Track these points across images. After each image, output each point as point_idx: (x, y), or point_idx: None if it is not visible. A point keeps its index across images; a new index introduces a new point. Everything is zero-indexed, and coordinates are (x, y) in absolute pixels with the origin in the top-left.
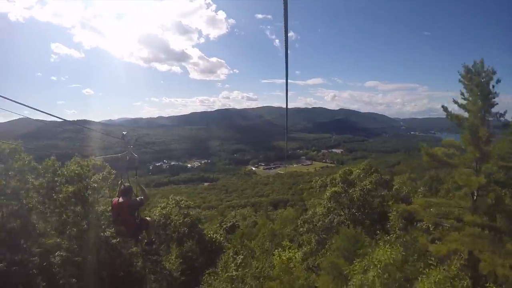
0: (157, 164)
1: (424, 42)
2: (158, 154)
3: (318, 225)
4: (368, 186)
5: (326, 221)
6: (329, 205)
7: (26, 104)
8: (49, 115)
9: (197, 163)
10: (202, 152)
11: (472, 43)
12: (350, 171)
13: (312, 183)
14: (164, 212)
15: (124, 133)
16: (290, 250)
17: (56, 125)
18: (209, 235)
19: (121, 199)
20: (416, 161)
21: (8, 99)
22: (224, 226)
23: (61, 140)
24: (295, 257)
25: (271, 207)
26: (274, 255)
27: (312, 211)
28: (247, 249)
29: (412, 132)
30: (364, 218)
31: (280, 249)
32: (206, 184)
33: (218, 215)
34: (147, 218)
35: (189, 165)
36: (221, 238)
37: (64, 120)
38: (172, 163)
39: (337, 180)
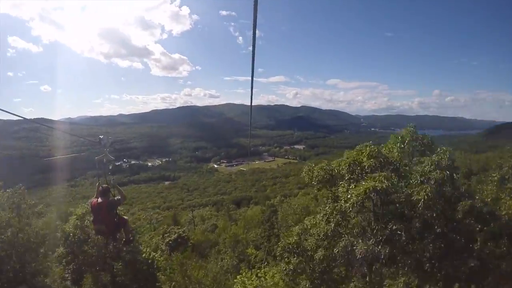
0: (116, 164)
1: (386, 42)
2: (117, 153)
3: (318, 257)
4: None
5: (337, 250)
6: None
7: None
8: (9, 114)
9: (158, 161)
10: (163, 150)
11: (432, 44)
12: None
13: (303, 174)
14: (79, 223)
15: (101, 137)
16: (258, 272)
17: (12, 124)
18: (145, 254)
19: (99, 200)
20: None
21: None
22: (167, 240)
23: (17, 140)
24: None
25: (234, 206)
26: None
27: (303, 226)
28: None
29: (372, 129)
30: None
31: (244, 271)
32: (166, 183)
33: (169, 219)
34: (125, 217)
35: (149, 164)
36: (161, 258)
37: (24, 118)
38: (132, 162)
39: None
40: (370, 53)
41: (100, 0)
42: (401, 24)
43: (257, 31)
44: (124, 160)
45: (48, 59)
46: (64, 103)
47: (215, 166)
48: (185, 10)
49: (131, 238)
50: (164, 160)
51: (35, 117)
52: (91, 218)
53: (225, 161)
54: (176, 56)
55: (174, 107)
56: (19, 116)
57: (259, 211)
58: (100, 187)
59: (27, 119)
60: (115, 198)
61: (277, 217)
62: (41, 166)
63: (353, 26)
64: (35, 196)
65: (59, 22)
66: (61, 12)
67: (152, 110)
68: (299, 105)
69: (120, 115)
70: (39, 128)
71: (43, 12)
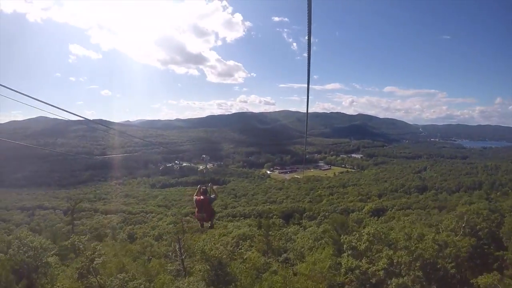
0: (168, 165)
1: (443, 46)
2: (170, 154)
3: None
4: None
5: None
6: None
7: (48, 103)
8: (73, 114)
9: (210, 165)
10: (216, 154)
11: (493, 48)
12: None
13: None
14: None
15: (203, 156)
16: None
17: (72, 124)
18: None
19: (201, 197)
20: (446, 166)
21: (30, 97)
22: None
23: (74, 139)
24: None
25: (281, 221)
26: None
27: None
28: None
29: (432, 139)
30: None
31: None
32: (215, 187)
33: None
34: (214, 209)
35: (200, 167)
36: None
37: (85, 118)
38: (184, 164)
39: None
40: (427, 58)
41: (154, 8)
42: (459, 26)
43: (311, 37)
44: (176, 162)
45: (108, 66)
46: (123, 107)
47: (268, 172)
48: (238, 17)
49: (213, 224)
50: (216, 164)
51: (95, 118)
52: (196, 209)
53: (279, 168)
54: (231, 63)
55: (230, 113)
56: (79, 116)
57: (328, 255)
58: (201, 189)
59: (86, 119)
60: (212, 196)
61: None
62: (93, 163)
63: (409, 29)
64: (81, 191)
65: (116, 31)
66: (118, 21)
67: (208, 116)
68: (355, 113)
69: (177, 120)
70: (97, 128)
71: (100, 21)
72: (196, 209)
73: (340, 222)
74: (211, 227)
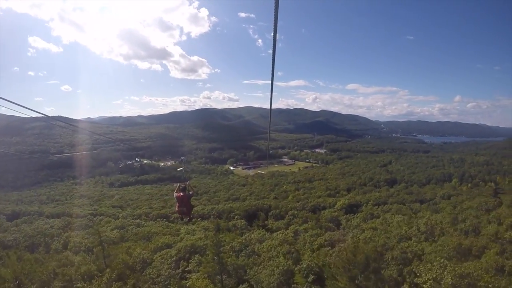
0: (128, 163)
1: (407, 46)
2: (130, 152)
3: None
4: None
5: None
6: None
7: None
8: (32, 111)
9: (171, 162)
10: (177, 151)
11: (453, 49)
12: None
13: None
14: None
15: (182, 158)
16: None
17: (29, 121)
18: None
19: (181, 193)
20: (411, 160)
21: None
22: None
23: (29, 137)
24: None
25: (244, 222)
26: None
27: None
28: None
29: (393, 134)
30: None
31: None
32: (175, 184)
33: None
34: (193, 204)
35: (161, 164)
36: None
37: (45, 115)
38: (145, 161)
39: None
40: (390, 58)
41: (118, 1)
42: (423, 27)
43: (277, 34)
44: (137, 159)
45: (69, 60)
46: (85, 103)
47: (231, 168)
48: (204, 12)
49: (192, 217)
50: (177, 160)
51: (55, 115)
52: (177, 204)
53: (242, 164)
54: (195, 58)
55: (193, 110)
56: (38, 112)
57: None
58: (180, 186)
59: (45, 115)
60: (190, 193)
61: None
62: (50, 163)
63: (374, 29)
64: (35, 193)
65: (79, 23)
66: (81, 13)
67: (171, 112)
68: (318, 110)
69: (139, 116)
70: (54, 125)
71: (63, 12)
72: (177, 204)
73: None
74: (190, 220)
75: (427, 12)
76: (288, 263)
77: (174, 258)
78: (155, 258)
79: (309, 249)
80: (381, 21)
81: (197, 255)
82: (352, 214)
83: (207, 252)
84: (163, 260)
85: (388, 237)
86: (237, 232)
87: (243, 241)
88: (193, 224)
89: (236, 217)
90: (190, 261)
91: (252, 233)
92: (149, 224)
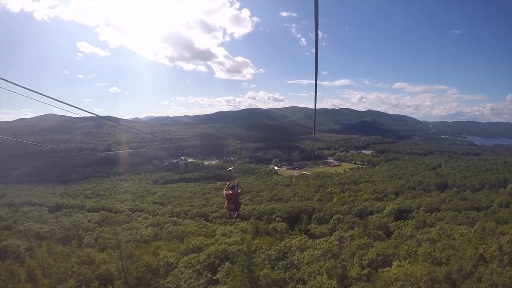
0: (173, 161)
1: (454, 41)
2: (175, 150)
3: None
4: None
5: None
6: None
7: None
8: (82, 111)
9: (216, 161)
10: (222, 150)
11: (504, 44)
12: None
13: None
14: None
15: (233, 158)
16: None
17: (77, 121)
18: None
19: (230, 191)
20: (462, 163)
21: (41, 94)
22: None
23: (78, 135)
24: None
25: (286, 226)
26: None
27: None
28: None
29: (442, 136)
30: None
31: None
32: (219, 183)
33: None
34: (240, 202)
35: (206, 163)
36: None
37: (95, 115)
38: (189, 160)
39: None
40: (437, 54)
41: (161, 5)
42: (470, 19)
43: (320, 32)
44: (182, 157)
45: (116, 63)
46: (132, 104)
47: (276, 168)
48: (245, 12)
49: (240, 213)
50: (221, 160)
51: (104, 115)
52: (226, 202)
53: (286, 164)
54: (239, 59)
55: (238, 110)
56: (88, 112)
57: None
58: (230, 185)
59: (96, 115)
60: (238, 191)
61: None
62: (97, 160)
63: (419, 24)
64: (81, 187)
65: (124, 28)
66: (125, 18)
67: (216, 112)
68: (364, 109)
69: (185, 116)
70: (103, 125)
71: (107, 18)
72: (226, 201)
73: None
74: (238, 216)
75: (474, 3)
76: (332, 284)
77: (202, 264)
78: (181, 263)
79: (357, 264)
80: (425, 15)
81: (227, 263)
82: (402, 221)
83: (237, 261)
84: (189, 265)
85: (461, 257)
86: (276, 236)
87: (282, 247)
88: (231, 225)
89: (278, 219)
90: (219, 269)
91: (293, 238)
92: (186, 222)
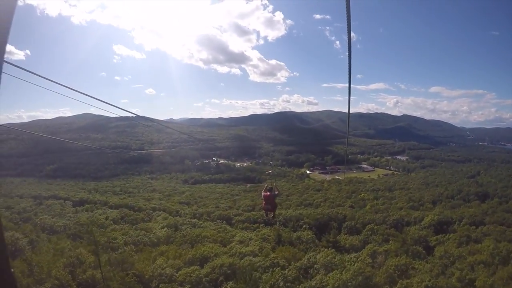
0: (205, 161)
1: (492, 43)
2: (208, 151)
3: None
4: None
5: None
6: None
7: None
8: (120, 109)
9: (247, 163)
10: (254, 152)
11: None
12: None
13: None
14: None
15: (271, 162)
16: None
17: (112, 120)
18: None
19: (268, 193)
20: (502, 171)
21: (81, 92)
22: None
23: (112, 134)
24: None
25: (312, 234)
26: None
27: None
28: None
29: (480, 143)
30: None
31: None
32: (248, 185)
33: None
34: (276, 203)
35: (237, 165)
36: None
37: (134, 114)
38: (221, 161)
39: None
40: (474, 56)
41: (195, 8)
42: (508, 19)
43: (353, 34)
44: (213, 158)
45: (151, 65)
46: (167, 105)
47: (308, 172)
48: (279, 15)
49: (275, 215)
50: (253, 162)
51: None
52: (263, 202)
53: (319, 168)
54: (274, 62)
55: (272, 113)
56: (125, 110)
57: None
58: (268, 186)
59: (132, 113)
60: (275, 193)
61: None
62: (130, 158)
63: (455, 25)
64: (111, 184)
65: (159, 31)
66: (159, 22)
67: (250, 115)
68: (400, 114)
69: (220, 118)
70: (137, 124)
71: (143, 21)
72: (263, 202)
73: None
74: (274, 217)
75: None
76: None
77: (202, 280)
78: (179, 275)
79: None
80: (461, 16)
81: (230, 283)
82: (443, 234)
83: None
84: (187, 279)
85: None
86: (300, 247)
87: (305, 262)
88: (253, 231)
89: (304, 226)
90: None
91: (319, 252)
92: (205, 225)
